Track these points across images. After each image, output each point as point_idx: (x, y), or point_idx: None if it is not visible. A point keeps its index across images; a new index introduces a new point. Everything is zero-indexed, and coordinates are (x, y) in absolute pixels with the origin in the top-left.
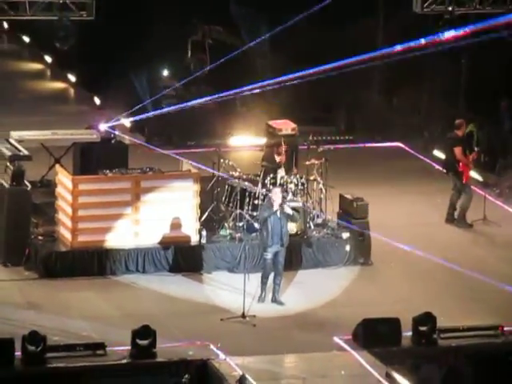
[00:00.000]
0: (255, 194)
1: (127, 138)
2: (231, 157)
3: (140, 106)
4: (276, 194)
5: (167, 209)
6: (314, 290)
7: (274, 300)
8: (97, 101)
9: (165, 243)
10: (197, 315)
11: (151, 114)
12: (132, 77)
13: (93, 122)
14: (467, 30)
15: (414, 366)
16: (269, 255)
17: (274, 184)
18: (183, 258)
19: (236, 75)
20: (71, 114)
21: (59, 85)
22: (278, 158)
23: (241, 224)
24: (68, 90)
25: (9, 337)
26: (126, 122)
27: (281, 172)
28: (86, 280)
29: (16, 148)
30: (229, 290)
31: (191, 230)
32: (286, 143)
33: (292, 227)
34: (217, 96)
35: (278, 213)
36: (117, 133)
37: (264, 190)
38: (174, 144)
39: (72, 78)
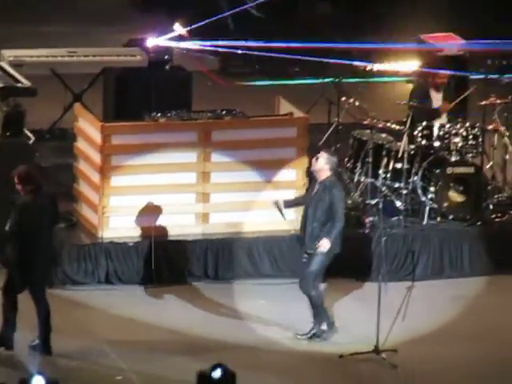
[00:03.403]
0: (397, 152)
1: (191, 60)
2: (359, 93)
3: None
4: (317, 163)
5: (254, 176)
6: (492, 307)
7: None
8: None
9: (251, 232)
10: (299, 347)
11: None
12: None
13: (136, 35)
14: None
15: None
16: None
17: (428, 137)
18: (281, 255)
19: None
20: (101, 20)
21: None
22: (436, 95)
23: (374, 201)
24: None
25: None
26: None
27: (440, 117)
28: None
29: (11, 76)
30: (354, 306)
31: (293, 210)
32: (448, 70)
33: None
34: None
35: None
36: (174, 52)
37: (412, 146)
38: (266, 72)
39: None
